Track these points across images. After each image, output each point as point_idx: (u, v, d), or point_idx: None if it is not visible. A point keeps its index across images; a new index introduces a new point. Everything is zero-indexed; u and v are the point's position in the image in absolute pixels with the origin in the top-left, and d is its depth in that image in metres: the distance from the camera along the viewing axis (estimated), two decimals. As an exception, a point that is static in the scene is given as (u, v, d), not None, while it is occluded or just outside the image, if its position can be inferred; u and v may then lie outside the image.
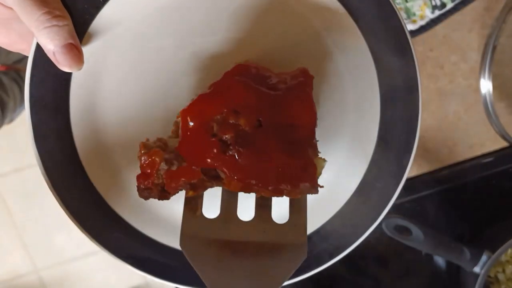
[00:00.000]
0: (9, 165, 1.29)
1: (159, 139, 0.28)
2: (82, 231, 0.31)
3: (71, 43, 0.29)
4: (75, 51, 0.29)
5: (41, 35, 0.28)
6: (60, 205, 0.31)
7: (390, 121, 0.33)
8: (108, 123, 0.32)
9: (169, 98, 0.32)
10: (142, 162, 0.26)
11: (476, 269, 0.46)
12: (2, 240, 1.34)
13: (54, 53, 0.28)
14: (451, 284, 0.53)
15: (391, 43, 0.31)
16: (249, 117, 0.24)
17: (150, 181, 0.26)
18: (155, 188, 0.27)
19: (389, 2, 0.30)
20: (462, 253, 0.46)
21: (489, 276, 0.49)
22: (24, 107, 1.06)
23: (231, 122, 0.25)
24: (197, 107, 0.25)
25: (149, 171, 0.26)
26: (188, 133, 0.25)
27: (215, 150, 0.24)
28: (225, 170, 0.25)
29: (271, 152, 0.24)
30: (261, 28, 0.32)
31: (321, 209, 0.34)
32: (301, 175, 0.25)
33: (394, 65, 0.32)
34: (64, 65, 0.29)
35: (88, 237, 0.32)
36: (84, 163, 0.32)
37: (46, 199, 1.30)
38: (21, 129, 1.24)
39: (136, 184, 0.27)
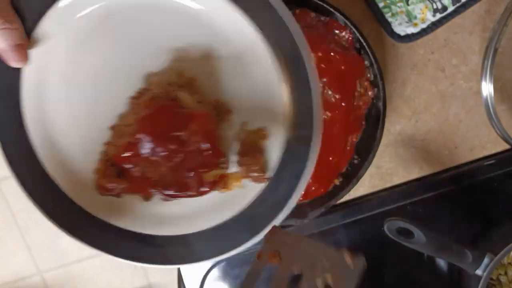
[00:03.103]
0: (13, 168, 1.30)
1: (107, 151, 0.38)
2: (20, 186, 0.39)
3: (21, 44, 0.34)
4: (22, 51, 0.34)
5: None
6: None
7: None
8: (52, 109, 0.38)
9: (106, 101, 0.38)
10: (110, 188, 0.38)
11: (478, 272, 0.46)
12: (6, 242, 1.34)
13: (5, 51, 0.34)
14: (453, 287, 0.53)
15: None
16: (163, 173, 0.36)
17: (113, 193, 0.39)
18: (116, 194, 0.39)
19: None
20: (464, 255, 0.46)
21: (491, 279, 0.49)
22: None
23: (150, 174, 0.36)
24: (124, 155, 0.36)
25: (113, 191, 0.39)
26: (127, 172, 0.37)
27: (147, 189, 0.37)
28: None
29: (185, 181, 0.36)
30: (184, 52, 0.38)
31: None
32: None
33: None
34: (12, 61, 0.35)
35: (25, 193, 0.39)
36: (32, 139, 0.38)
37: (49, 202, 1.31)
38: (24, 132, 1.24)
39: (100, 192, 0.39)
